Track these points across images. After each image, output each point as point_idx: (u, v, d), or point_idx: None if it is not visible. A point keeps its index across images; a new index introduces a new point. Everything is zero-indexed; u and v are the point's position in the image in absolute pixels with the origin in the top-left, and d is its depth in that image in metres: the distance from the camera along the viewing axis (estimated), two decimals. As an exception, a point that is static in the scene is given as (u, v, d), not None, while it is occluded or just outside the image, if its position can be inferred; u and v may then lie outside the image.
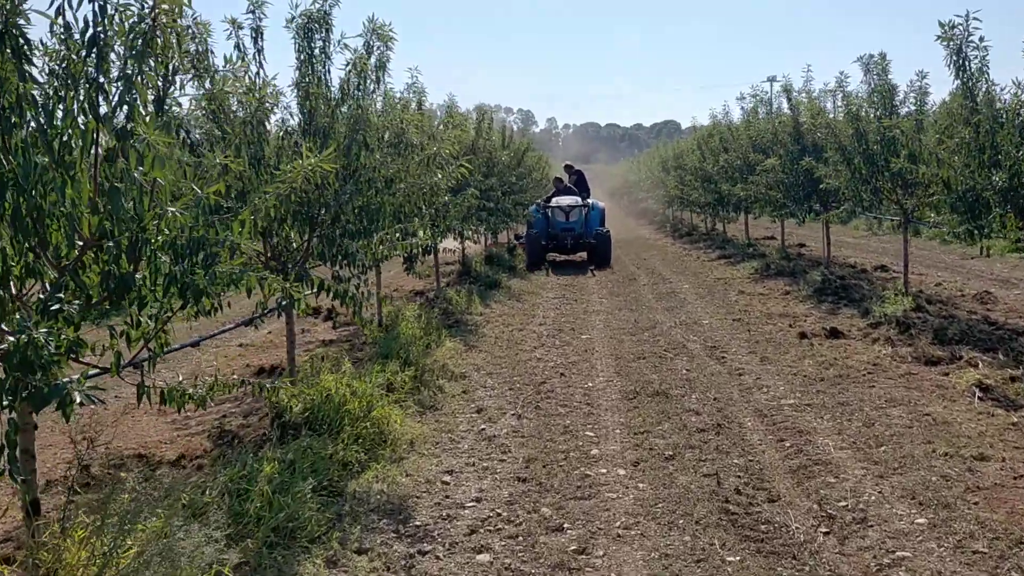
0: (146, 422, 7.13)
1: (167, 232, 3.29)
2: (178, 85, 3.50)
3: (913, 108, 10.68)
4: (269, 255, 6.49)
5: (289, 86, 6.15)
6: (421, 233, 9.28)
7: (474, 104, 16.49)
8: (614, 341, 9.99)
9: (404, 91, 9.96)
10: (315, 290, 6.20)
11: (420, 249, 8.57)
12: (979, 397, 6.61)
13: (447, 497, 5.10)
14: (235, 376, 9.03)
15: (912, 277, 11.68)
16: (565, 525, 4.62)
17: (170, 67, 3.41)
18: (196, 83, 5.70)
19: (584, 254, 19.57)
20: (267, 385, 4.08)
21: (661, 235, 30.49)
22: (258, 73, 6.08)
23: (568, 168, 22.76)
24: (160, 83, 3.39)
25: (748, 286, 14.13)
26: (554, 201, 19.89)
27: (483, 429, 6.52)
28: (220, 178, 3.66)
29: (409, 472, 5.52)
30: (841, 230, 23.72)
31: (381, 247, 7.08)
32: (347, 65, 6.27)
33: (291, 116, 6.52)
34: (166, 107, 3.42)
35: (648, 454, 5.80)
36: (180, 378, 3.61)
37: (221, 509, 4.18)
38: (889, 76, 10.74)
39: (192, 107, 5.97)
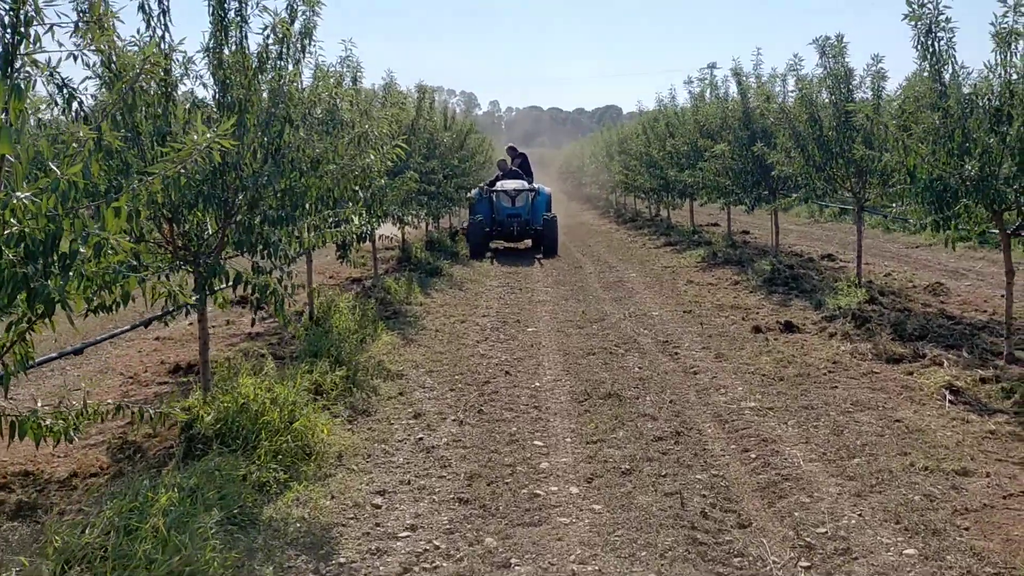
0: (40, 430, 6.33)
1: (14, 223, 2.59)
2: (33, 39, 2.78)
3: (870, 93, 10.32)
4: (180, 244, 5.76)
5: (199, 51, 5.40)
6: (356, 219, 8.60)
7: (414, 83, 15.64)
8: (561, 335, 9.44)
9: (337, 64, 9.23)
10: (230, 284, 5.53)
11: (354, 237, 7.87)
12: (950, 400, 6.22)
13: (377, 525, 4.47)
14: (148, 372, 8.29)
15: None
16: (512, 560, 4.03)
17: (21, 15, 2.70)
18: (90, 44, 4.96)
19: (529, 242, 18.58)
20: (151, 412, 3.38)
21: (605, 221, 30.10)
22: (163, 37, 5.33)
23: (511, 150, 21.34)
24: (6, 35, 2.68)
25: (696, 275, 13.73)
26: (499, 185, 18.59)
27: (421, 438, 5.90)
28: (93, 155, 2.94)
29: (335, 493, 4.87)
30: (783, 217, 23.38)
31: (309, 235, 6.40)
32: (265, 29, 5.53)
33: (205, 88, 5.77)
34: (18, 66, 2.70)
35: (603, 468, 5.26)
36: (39, 403, 2.90)
37: (104, 552, 3.49)
38: (846, 59, 10.36)
39: (87, 72, 5.23)
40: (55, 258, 2.62)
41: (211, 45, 5.42)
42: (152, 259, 5.74)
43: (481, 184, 19.79)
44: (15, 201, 2.49)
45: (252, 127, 5.43)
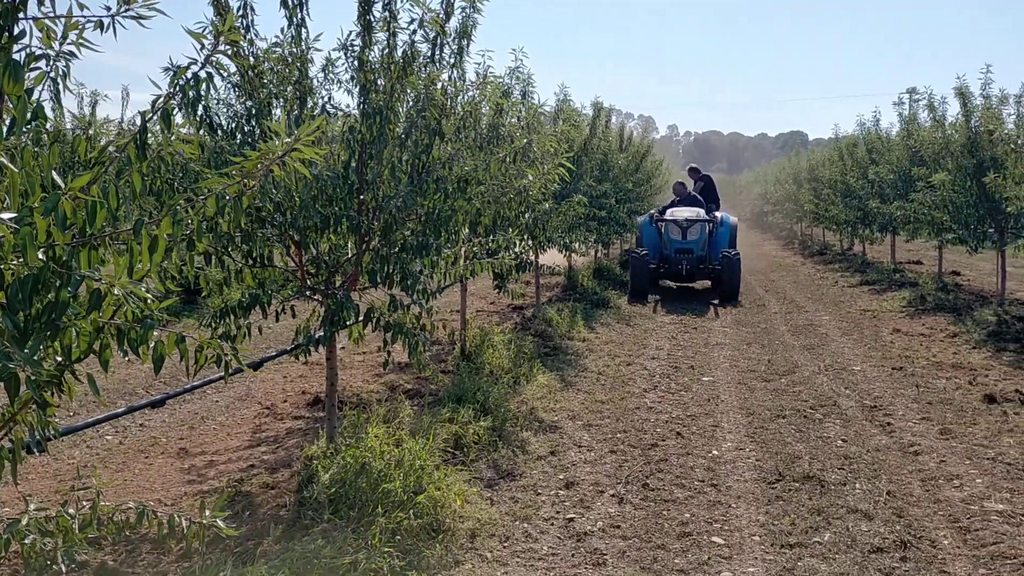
0: (160, 466, 5.81)
1: (-9, 258, 1.80)
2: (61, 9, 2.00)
3: None
4: (311, 271, 5.06)
5: (335, 49, 4.66)
6: (518, 244, 7.70)
7: (590, 101, 14.71)
8: (744, 388, 8.14)
9: (506, 76, 8.43)
10: (359, 319, 4.76)
11: (511, 267, 6.99)
12: None
13: (506, 651, 3.47)
14: (287, 402, 7.73)
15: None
16: None
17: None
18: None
19: (709, 283, 15.35)
20: (184, 522, 2.52)
21: (789, 252, 27.99)
22: (299, 34, 4.65)
23: (693, 172, 17.63)
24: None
25: (903, 322, 11.91)
26: (669, 213, 15.30)
27: (571, 519, 4.86)
28: (134, 164, 2.14)
29: (459, 593, 3.92)
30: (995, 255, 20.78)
31: (456, 266, 5.55)
32: (411, 23, 4.72)
33: (349, 94, 5.04)
34: (17, 32, 1.93)
35: (805, 590, 4.02)
36: (31, 506, 2.11)
37: None
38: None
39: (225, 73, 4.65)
40: (40, 310, 1.81)
41: (351, 42, 4.66)
42: (279, 287, 5.10)
43: (651, 211, 16.52)
44: (-21, 226, 1.69)
45: (392, 139, 4.63)
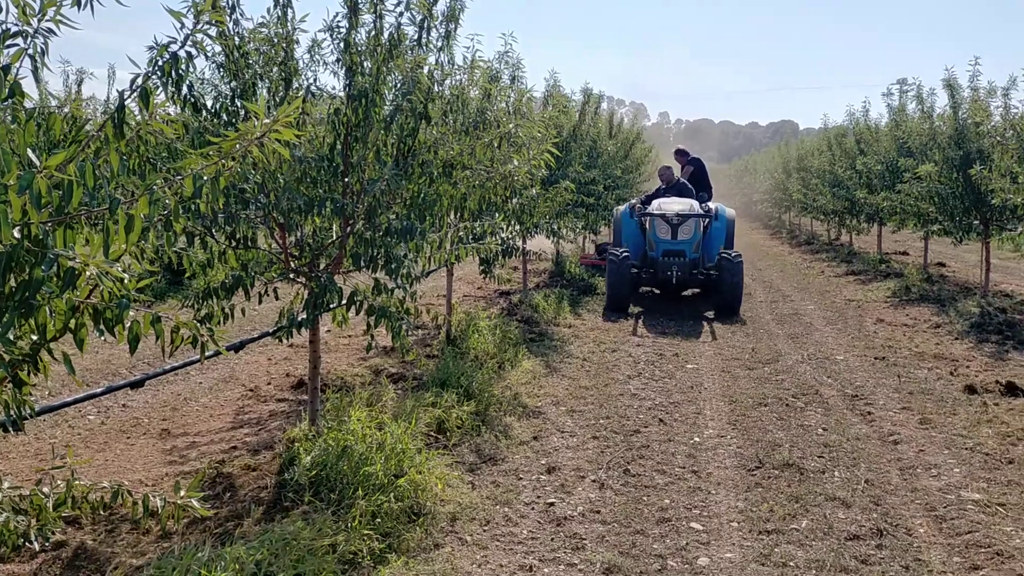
0: (141, 447, 5.80)
1: (-36, 235, 1.79)
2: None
3: None
4: (294, 254, 5.05)
5: (321, 30, 4.63)
6: (504, 228, 7.72)
7: (579, 87, 14.64)
8: (727, 376, 8.18)
9: (495, 59, 8.39)
10: (342, 303, 4.75)
11: (497, 252, 6.99)
12: None
13: (483, 634, 3.50)
14: (270, 385, 7.72)
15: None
16: None
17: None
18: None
19: (698, 289, 12.76)
20: (158, 501, 2.51)
21: (776, 242, 28.10)
22: (284, 14, 4.61)
23: (681, 155, 14.82)
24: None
25: (887, 312, 11.99)
26: (655, 205, 12.30)
27: (552, 504, 4.89)
28: (111, 143, 2.13)
29: None
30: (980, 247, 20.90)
31: (441, 251, 5.55)
32: (398, 5, 4.70)
33: (335, 76, 5.01)
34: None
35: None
36: (5, 484, 2.11)
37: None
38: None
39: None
40: (14, 288, 1.80)
41: (337, 23, 4.63)
42: (263, 269, 5.09)
43: (632, 200, 13.71)
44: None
45: (377, 122, 4.61)
